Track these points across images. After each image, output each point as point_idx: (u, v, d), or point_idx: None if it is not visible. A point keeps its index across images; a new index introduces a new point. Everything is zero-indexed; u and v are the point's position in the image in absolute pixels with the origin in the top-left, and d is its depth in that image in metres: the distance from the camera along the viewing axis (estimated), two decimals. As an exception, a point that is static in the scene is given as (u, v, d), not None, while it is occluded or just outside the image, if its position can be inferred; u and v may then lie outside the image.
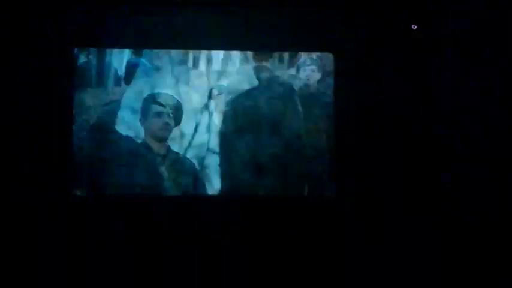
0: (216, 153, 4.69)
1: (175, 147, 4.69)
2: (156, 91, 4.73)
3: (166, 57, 4.74)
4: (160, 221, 4.61)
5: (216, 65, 4.77)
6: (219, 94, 4.68)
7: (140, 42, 4.74)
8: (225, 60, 4.85)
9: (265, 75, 4.73)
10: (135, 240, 4.58)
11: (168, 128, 4.65)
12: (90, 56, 4.81)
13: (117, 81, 4.76)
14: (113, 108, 4.70)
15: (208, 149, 4.71)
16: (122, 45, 4.75)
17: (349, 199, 4.69)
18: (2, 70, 4.64)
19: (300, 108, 4.76)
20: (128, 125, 4.69)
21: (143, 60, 4.77)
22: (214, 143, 4.71)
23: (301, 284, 4.23)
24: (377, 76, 4.79)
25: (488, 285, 4.07)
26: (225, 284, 4.15)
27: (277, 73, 4.76)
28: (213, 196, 4.68)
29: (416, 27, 4.71)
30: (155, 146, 4.66)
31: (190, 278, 4.28)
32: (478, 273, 4.11)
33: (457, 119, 4.36)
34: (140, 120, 4.68)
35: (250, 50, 4.71)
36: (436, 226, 4.51)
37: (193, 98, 4.77)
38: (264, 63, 4.72)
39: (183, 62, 4.78)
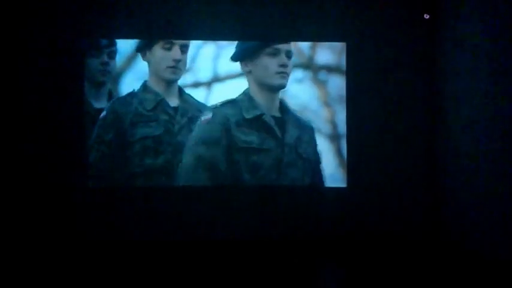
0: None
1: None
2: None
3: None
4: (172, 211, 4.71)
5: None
6: None
7: (148, 33, 4.71)
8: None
9: None
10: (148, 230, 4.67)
11: None
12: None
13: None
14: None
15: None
16: (130, 36, 4.69)
17: (359, 190, 4.83)
18: (13, 65, 4.59)
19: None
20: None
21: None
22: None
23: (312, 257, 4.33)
24: (389, 67, 4.83)
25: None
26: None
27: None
28: (234, 186, 4.72)
29: (428, 16, 4.75)
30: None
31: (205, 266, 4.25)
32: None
33: (466, 116, 4.33)
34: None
35: (266, 41, 4.67)
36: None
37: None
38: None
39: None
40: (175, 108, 4.70)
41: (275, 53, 4.64)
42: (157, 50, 4.68)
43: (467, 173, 4.28)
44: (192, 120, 4.68)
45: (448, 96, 4.59)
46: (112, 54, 4.72)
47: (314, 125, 4.81)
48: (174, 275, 3.78)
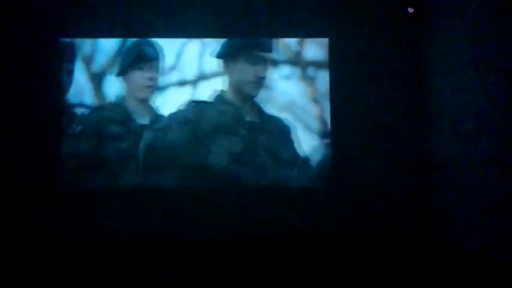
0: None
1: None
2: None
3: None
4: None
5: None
6: None
7: (128, 32, 4.68)
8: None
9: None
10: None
11: None
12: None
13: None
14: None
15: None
16: (109, 35, 4.66)
17: (343, 189, 4.82)
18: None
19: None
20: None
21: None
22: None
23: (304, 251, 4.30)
24: (373, 63, 4.81)
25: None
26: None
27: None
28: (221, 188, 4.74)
29: (412, 10, 4.73)
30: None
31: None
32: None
33: (452, 112, 4.32)
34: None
35: (250, 37, 4.74)
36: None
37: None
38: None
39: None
40: (252, 123, 4.68)
41: None
42: (242, 63, 4.68)
43: (453, 170, 4.25)
44: (272, 137, 4.68)
45: (434, 93, 4.55)
46: (158, 68, 4.65)
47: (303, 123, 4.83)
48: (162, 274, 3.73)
